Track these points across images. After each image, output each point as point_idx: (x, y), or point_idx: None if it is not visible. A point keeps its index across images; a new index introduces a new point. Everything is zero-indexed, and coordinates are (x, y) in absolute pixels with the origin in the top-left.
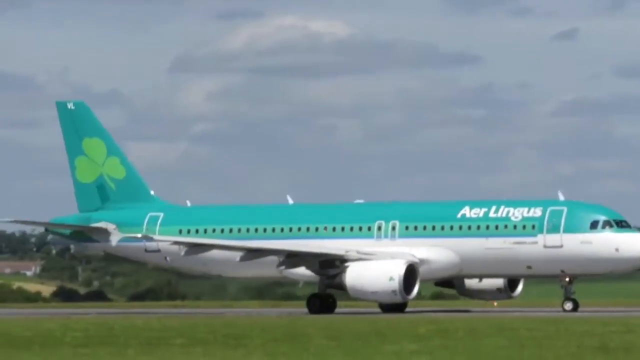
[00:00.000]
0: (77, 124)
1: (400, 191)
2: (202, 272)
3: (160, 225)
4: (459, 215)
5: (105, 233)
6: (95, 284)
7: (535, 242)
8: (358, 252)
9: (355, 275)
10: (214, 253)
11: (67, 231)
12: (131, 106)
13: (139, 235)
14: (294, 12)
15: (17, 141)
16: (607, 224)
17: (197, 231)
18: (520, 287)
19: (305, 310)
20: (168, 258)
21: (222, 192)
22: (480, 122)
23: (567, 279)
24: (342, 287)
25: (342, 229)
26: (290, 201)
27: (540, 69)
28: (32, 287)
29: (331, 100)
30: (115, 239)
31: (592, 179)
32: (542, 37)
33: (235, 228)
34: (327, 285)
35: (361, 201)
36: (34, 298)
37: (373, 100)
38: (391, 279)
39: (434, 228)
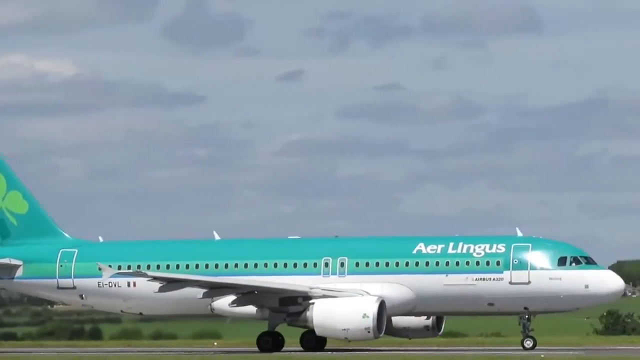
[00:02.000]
0: None
1: (124, 229)
2: (122, 310)
3: (76, 261)
4: (414, 252)
5: (7, 269)
6: None
7: (501, 279)
8: (323, 289)
9: (323, 313)
10: (138, 290)
11: None
12: None
13: (130, 271)
14: (21, 51)
15: None
16: (575, 260)
17: (119, 267)
18: (443, 325)
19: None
20: (84, 296)
21: None
22: (205, 161)
23: (527, 316)
24: (305, 324)
25: (285, 265)
26: (217, 237)
27: (266, 108)
28: None
29: (55, 138)
30: (107, 274)
31: (316, 218)
32: (269, 77)
33: (162, 264)
34: (288, 323)
35: (296, 237)
36: None
37: (98, 139)
38: (365, 316)
39: (387, 264)
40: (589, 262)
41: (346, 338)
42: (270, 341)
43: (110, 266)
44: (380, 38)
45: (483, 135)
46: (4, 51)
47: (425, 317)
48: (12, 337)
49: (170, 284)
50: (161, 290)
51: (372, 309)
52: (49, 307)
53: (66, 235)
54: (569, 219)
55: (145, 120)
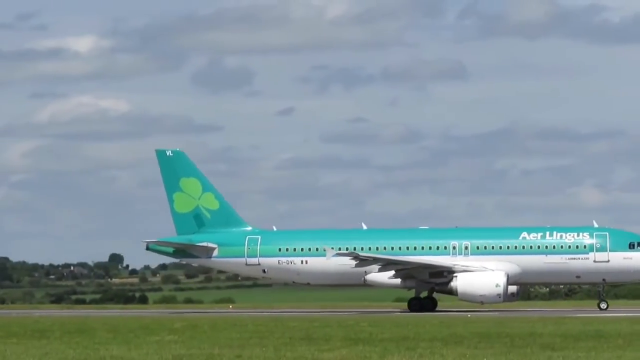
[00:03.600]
0: (175, 167)
1: None
2: (294, 281)
3: (260, 245)
4: (520, 238)
5: (205, 250)
6: None
7: (587, 258)
8: (462, 265)
9: (465, 283)
10: (308, 266)
11: (170, 250)
12: None
13: (347, 252)
14: (89, 94)
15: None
16: (639, 244)
17: (294, 249)
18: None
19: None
20: (266, 270)
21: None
22: (223, 174)
23: (603, 286)
24: (450, 292)
25: (422, 247)
26: (365, 227)
27: (267, 135)
28: None
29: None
30: (330, 254)
31: (303, 215)
32: (269, 112)
33: (329, 247)
34: (437, 291)
35: (426, 227)
36: None
37: (147, 158)
38: (497, 285)
39: (500, 247)
40: None
41: (481, 302)
42: (418, 304)
43: (332, 248)
44: (351, 84)
45: (426, 155)
46: (76, 94)
47: (514, 286)
48: (82, 301)
49: (362, 260)
50: (357, 266)
51: (503, 280)
52: (109, 279)
53: (248, 225)
54: (488, 216)
55: (178, 144)
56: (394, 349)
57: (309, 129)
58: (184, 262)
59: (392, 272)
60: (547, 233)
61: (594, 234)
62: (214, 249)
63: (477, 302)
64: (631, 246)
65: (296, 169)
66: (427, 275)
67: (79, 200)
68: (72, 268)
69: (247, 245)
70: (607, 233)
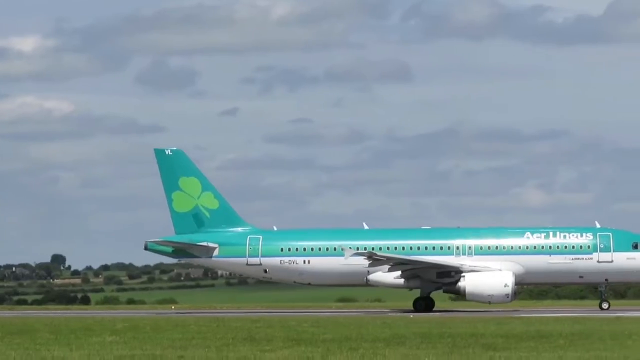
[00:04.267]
0: (174, 166)
1: None
2: (295, 281)
3: (262, 244)
4: (523, 238)
5: (205, 250)
6: None
7: (591, 258)
8: (470, 265)
9: (473, 283)
10: (311, 266)
11: (169, 249)
12: None
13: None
14: (32, 94)
15: None
16: None
17: (296, 249)
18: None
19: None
20: (267, 270)
21: None
22: None
23: (605, 286)
24: (458, 291)
25: (426, 247)
26: (366, 226)
27: (211, 135)
28: None
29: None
30: (348, 254)
31: (247, 216)
32: (213, 113)
33: (331, 246)
34: (444, 290)
35: (428, 227)
36: None
37: (89, 158)
38: (505, 285)
39: (504, 247)
40: None
41: (489, 302)
42: (424, 304)
43: (350, 248)
44: (295, 84)
45: (369, 155)
46: (20, 93)
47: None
48: (24, 302)
49: (375, 260)
50: (370, 266)
51: (511, 280)
52: (51, 280)
53: (249, 224)
54: (430, 216)
55: (122, 145)
56: (336, 349)
57: (253, 129)
58: (183, 262)
59: (399, 272)
60: (551, 233)
61: (598, 234)
62: (214, 248)
63: (485, 302)
64: (635, 246)
65: (240, 169)
66: (435, 275)
67: (21, 201)
68: (13, 269)
69: (249, 244)
70: (611, 233)
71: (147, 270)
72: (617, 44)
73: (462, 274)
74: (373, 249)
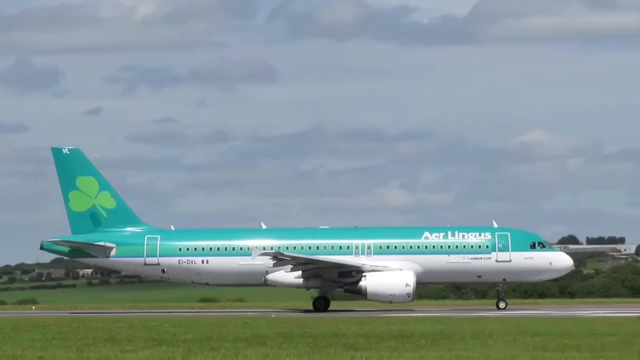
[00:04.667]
0: (71, 165)
1: None
2: (193, 281)
3: (160, 244)
4: (422, 238)
5: (102, 250)
6: None
7: (489, 258)
8: (371, 265)
9: (375, 283)
10: (209, 265)
11: (66, 249)
12: None
13: (271, 251)
14: None
15: None
16: (540, 244)
17: (195, 249)
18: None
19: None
20: (165, 270)
21: None
22: (30, 174)
23: (502, 285)
24: (359, 291)
25: (324, 247)
26: (264, 226)
27: (74, 134)
28: None
29: None
30: (256, 254)
31: None
32: (76, 112)
33: (229, 246)
34: (345, 290)
35: (327, 227)
36: None
37: None
38: (407, 285)
39: (403, 247)
40: (547, 246)
41: (390, 302)
42: (323, 303)
43: (256, 248)
44: (159, 84)
45: (233, 155)
46: None
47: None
48: None
49: (280, 260)
50: (275, 265)
51: (412, 280)
52: None
53: (146, 224)
54: (294, 216)
55: None
56: (197, 349)
57: (116, 128)
58: (81, 262)
59: (299, 272)
60: (449, 233)
61: (496, 233)
62: (111, 248)
63: (387, 301)
64: (532, 246)
65: (103, 169)
66: (336, 275)
67: None
68: None
69: (147, 244)
70: (509, 233)
71: (7, 270)
72: (481, 44)
73: (364, 274)
74: (279, 248)
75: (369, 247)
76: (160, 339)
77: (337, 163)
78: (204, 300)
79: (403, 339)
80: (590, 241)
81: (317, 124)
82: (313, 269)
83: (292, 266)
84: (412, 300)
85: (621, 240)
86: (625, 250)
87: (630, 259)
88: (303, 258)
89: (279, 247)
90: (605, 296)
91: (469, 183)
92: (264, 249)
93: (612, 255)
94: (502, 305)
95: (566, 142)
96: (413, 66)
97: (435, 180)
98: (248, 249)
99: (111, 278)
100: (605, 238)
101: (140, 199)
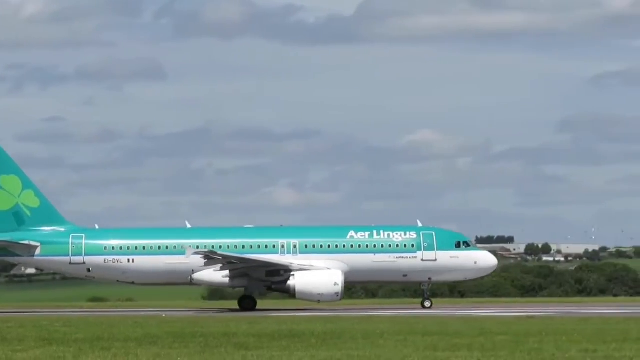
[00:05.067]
0: None
1: None
2: (119, 280)
3: (86, 243)
4: (348, 237)
5: (27, 249)
6: None
7: (415, 257)
8: (299, 265)
9: (303, 282)
10: (135, 265)
11: None
12: None
13: (205, 250)
14: None
15: None
16: (465, 243)
17: (121, 248)
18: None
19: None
20: (91, 269)
21: None
22: None
23: (428, 285)
24: (288, 290)
25: (250, 246)
26: (188, 225)
27: None
28: None
29: None
30: (189, 252)
31: None
32: None
33: (155, 245)
34: (274, 289)
35: (251, 225)
36: None
37: None
38: (335, 284)
39: (329, 246)
40: (470, 245)
41: (319, 301)
42: (251, 303)
43: (190, 246)
44: (46, 83)
45: (121, 154)
46: None
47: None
48: None
49: (211, 258)
50: (206, 264)
51: (340, 279)
52: None
53: (70, 223)
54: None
55: None
56: (88, 349)
57: (4, 127)
58: (6, 261)
59: (227, 271)
60: (375, 232)
61: (421, 233)
62: (36, 247)
63: (315, 300)
64: (457, 245)
65: None
66: (264, 274)
67: None
68: None
69: (72, 243)
70: (434, 232)
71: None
72: (368, 44)
73: (292, 273)
74: (213, 247)
75: (294, 246)
76: (50, 338)
77: (225, 162)
78: (93, 300)
79: (294, 339)
80: (479, 240)
81: (205, 123)
82: (241, 268)
83: (221, 265)
84: (340, 300)
85: (510, 240)
86: (514, 249)
87: (519, 259)
88: (236, 257)
89: (213, 247)
90: (495, 295)
91: (357, 182)
92: (198, 247)
93: (502, 255)
94: (427, 304)
95: (455, 141)
96: (300, 65)
97: (324, 180)
98: (174, 247)
99: (0, 277)
100: (495, 237)
101: None
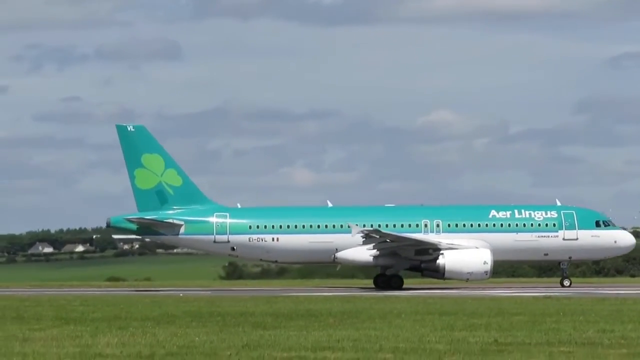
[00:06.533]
0: (136, 143)
1: None
2: (262, 259)
3: (230, 221)
4: (490, 216)
5: (171, 227)
6: None
7: (556, 236)
8: (447, 243)
9: (453, 260)
10: (279, 243)
11: (134, 227)
12: None
13: (369, 229)
14: None
15: None
16: (604, 223)
17: (265, 226)
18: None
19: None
20: (235, 247)
21: None
22: None
23: (567, 263)
24: (436, 269)
25: (394, 225)
26: (330, 204)
27: None
28: None
29: None
30: (355, 231)
31: (15, 193)
32: None
33: (300, 224)
34: (422, 269)
35: (392, 205)
36: None
37: None
38: (485, 262)
39: (472, 225)
40: (611, 224)
41: (468, 279)
42: (398, 282)
43: (356, 225)
44: (64, 62)
45: None
46: None
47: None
48: None
49: (369, 237)
50: (364, 243)
51: (490, 258)
52: None
53: (212, 202)
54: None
55: None
56: (105, 328)
57: (22, 107)
58: (147, 240)
59: (375, 250)
60: (516, 211)
61: (562, 212)
62: (180, 225)
63: (464, 279)
64: (597, 224)
65: (9, 148)
66: (413, 252)
67: None
68: None
69: (216, 222)
70: (574, 211)
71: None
72: (385, 24)
73: (441, 252)
74: (372, 226)
75: (437, 225)
76: (68, 317)
77: (242, 142)
78: (111, 279)
79: (311, 318)
80: None
81: (222, 102)
82: (391, 247)
83: (374, 244)
84: (488, 278)
85: None
86: None
87: None
88: (397, 236)
89: (372, 225)
90: (512, 275)
91: (374, 162)
92: (364, 226)
93: None
94: (566, 283)
95: (471, 122)
96: (317, 46)
97: (340, 160)
98: (318, 226)
99: (17, 257)
100: None
101: (46, 177)
